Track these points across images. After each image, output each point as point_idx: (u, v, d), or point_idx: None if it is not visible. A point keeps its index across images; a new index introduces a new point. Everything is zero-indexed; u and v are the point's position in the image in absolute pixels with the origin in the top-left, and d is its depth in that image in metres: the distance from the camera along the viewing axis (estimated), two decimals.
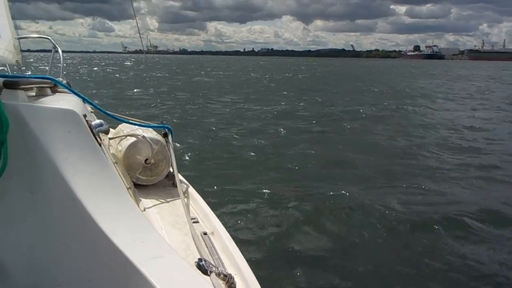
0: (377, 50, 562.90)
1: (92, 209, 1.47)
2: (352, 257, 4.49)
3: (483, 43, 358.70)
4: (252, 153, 8.92)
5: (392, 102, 19.10)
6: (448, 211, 5.79)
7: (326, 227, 5.18)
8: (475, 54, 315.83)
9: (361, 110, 16.27)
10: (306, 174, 7.52)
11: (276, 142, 10.27)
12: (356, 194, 6.34)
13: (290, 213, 5.58)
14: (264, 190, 6.45)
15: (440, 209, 5.86)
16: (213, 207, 2.45)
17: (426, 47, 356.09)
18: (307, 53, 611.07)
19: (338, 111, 16.13)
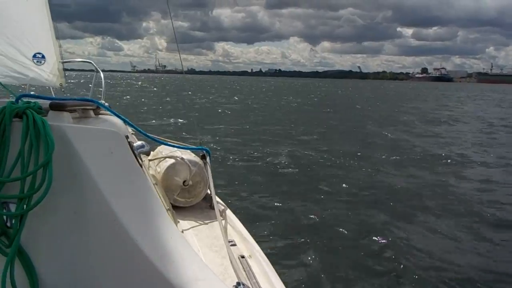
0: (384, 72, 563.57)
1: (132, 230, 1.49)
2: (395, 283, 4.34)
3: (492, 66, 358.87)
4: (291, 175, 8.77)
5: None
6: None
7: (365, 252, 5.00)
8: (483, 77, 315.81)
9: None
10: (349, 197, 7.25)
11: (317, 164, 9.96)
12: (410, 226, 6.03)
13: (330, 237, 5.41)
14: (302, 212, 6.30)
15: None
16: (251, 229, 2.44)
17: (434, 69, 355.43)
18: (315, 74, 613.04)
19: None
